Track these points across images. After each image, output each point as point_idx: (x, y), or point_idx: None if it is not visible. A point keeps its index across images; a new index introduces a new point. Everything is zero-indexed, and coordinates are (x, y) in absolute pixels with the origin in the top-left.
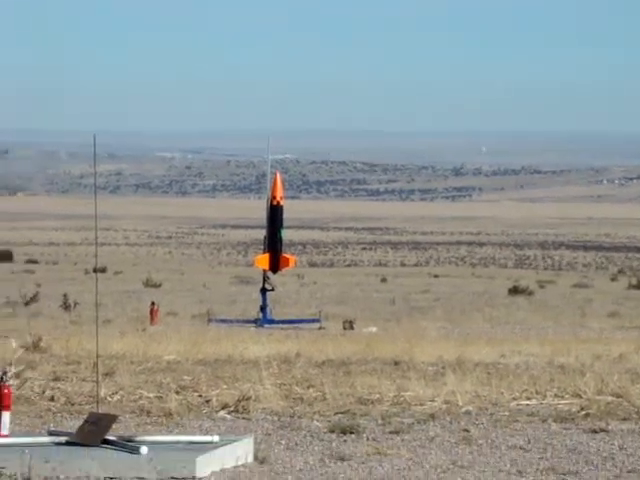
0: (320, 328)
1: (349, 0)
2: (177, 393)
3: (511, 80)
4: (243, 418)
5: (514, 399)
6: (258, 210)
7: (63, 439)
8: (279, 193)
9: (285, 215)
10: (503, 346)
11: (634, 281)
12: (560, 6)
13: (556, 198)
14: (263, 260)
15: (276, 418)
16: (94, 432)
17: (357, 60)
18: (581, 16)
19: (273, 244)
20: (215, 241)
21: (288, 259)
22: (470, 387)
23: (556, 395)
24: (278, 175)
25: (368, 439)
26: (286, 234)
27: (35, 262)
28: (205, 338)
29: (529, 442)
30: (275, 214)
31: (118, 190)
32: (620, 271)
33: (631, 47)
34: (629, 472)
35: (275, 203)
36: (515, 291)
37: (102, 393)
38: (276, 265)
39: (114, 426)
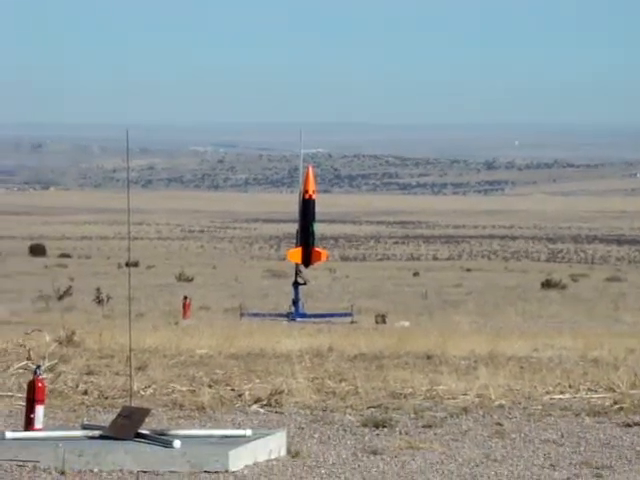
0: (352, 322)
1: None
2: (210, 387)
3: (543, 73)
4: (276, 412)
5: (547, 393)
6: (290, 204)
7: (96, 433)
8: (311, 187)
9: (317, 209)
10: (536, 340)
11: None
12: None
13: (589, 191)
14: (295, 254)
15: (309, 412)
16: (127, 426)
17: (386, 55)
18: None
19: (305, 238)
20: (247, 235)
21: (320, 253)
22: (503, 381)
23: (589, 389)
24: (310, 169)
25: (401, 433)
26: (318, 228)
27: (68, 256)
28: (238, 332)
29: (562, 436)
30: (307, 208)
31: (150, 184)
32: None
33: None
34: None
35: (307, 197)
36: (548, 285)
37: (135, 387)
38: (308, 259)
39: (147, 420)
